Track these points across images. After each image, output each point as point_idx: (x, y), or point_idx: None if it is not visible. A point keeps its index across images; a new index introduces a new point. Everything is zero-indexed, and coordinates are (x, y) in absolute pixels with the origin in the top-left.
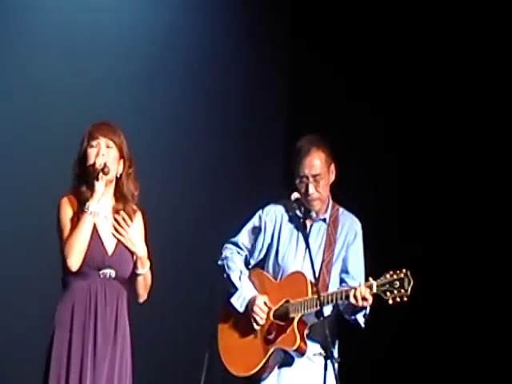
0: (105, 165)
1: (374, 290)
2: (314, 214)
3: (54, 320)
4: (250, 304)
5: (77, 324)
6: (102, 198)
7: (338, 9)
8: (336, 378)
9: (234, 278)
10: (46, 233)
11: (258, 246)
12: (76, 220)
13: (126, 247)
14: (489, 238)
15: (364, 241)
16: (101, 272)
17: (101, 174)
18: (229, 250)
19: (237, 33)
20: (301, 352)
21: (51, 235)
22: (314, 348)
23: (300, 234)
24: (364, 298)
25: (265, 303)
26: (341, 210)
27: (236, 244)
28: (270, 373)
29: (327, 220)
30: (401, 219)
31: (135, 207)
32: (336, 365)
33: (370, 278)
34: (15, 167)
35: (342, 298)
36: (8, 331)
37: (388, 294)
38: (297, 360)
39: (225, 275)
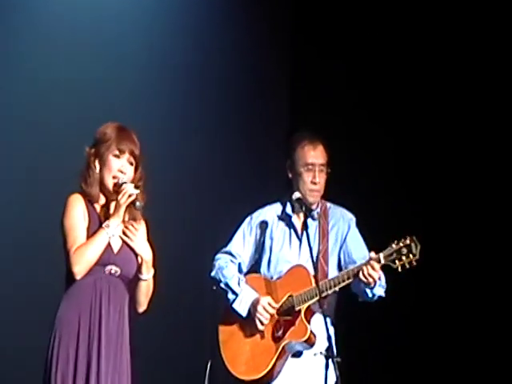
0: (136, 197)
1: (382, 261)
2: (315, 214)
3: (56, 318)
4: (253, 306)
5: (83, 325)
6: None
7: (339, 8)
8: (337, 377)
9: (233, 284)
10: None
11: (250, 251)
12: (88, 219)
13: (132, 249)
14: (489, 238)
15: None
16: (106, 268)
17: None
18: (222, 260)
19: (237, 33)
20: (310, 343)
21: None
22: (315, 347)
23: (292, 231)
24: (374, 269)
25: (269, 303)
26: (328, 204)
27: (229, 253)
28: (280, 372)
29: (317, 214)
30: (400, 218)
31: (140, 215)
32: (336, 364)
33: (373, 253)
34: (16, 167)
35: (345, 280)
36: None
37: (396, 262)
38: (300, 358)
39: (222, 284)
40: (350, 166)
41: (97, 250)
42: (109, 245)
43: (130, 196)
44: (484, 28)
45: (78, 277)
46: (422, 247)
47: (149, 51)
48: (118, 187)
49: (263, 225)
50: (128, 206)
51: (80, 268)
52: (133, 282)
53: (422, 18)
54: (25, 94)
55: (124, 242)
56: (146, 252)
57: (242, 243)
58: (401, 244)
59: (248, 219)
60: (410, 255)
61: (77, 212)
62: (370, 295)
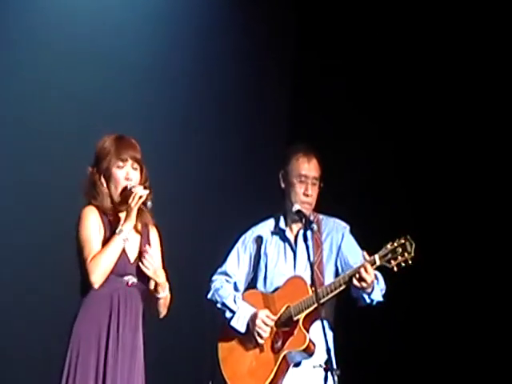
0: (147, 198)
1: (378, 262)
2: (315, 226)
3: (73, 332)
4: (252, 321)
5: (102, 339)
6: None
7: (340, 12)
8: None
9: (229, 302)
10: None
11: (246, 270)
12: (103, 233)
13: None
14: (485, 241)
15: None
16: (123, 279)
17: (142, 206)
18: (218, 281)
19: (238, 37)
20: (309, 352)
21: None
22: (314, 360)
23: (286, 245)
24: (367, 272)
25: (267, 316)
26: (321, 216)
27: (224, 273)
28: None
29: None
30: (398, 222)
31: (151, 218)
32: (336, 377)
33: (365, 253)
34: (15, 171)
35: (341, 285)
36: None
37: (392, 261)
38: (299, 371)
39: (218, 305)
40: (350, 168)
41: (112, 256)
42: (125, 255)
43: (140, 198)
44: (484, 28)
45: (96, 286)
46: (418, 252)
47: (150, 54)
48: (128, 192)
49: (257, 242)
50: (139, 210)
51: (97, 277)
52: (147, 291)
53: (422, 22)
54: (26, 103)
55: (140, 251)
56: (160, 276)
57: (237, 262)
58: (395, 244)
59: (242, 238)
60: (405, 254)
61: (92, 224)
62: (368, 301)
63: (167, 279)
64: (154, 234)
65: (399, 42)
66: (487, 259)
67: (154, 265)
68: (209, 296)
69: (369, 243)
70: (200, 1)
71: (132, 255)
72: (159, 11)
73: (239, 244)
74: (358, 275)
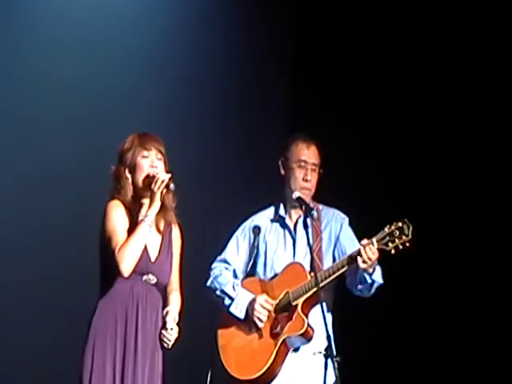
0: (170, 180)
1: (375, 245)
2: (315, 213)
3: (91, 325)
4: (250, 306)
5: (120, 334)
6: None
7: (340, 10)
8: (336, 376)
9: (228, 289)
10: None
11: (245, 257)
12: (128, 226)
13: (168, 257)
14: (484, 234)
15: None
16: (143, 277)
17: (164, 190)
18: (217, 269)
19: (238, 33)
20: (308, 336)
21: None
22: (314, 346)
23: (286, 232)
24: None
25: (266, 301)
26: (321, 206)
27: (223, 261)
28: (280, 369)
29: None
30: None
31: (174, 218)
32: (336, 364)
33: (365, 239)
34: (24, 167)
35: (340, 268)
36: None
37: (390, 244)
38: (299, 357)
39: (218, 292)
40: (351, 167)
41: (140, 243)
42: (147, 253)
43: (163, 182)
44: (484, 28)
45: (126, 274)
46: (416, 239)
47: (150, 53)
48: (151, 179)
49: (256, 230)
50: (163, 208)
51: (126, 265)
52: (165, 290)
53: (422, 20)
54: (26, 93)
55: (160, 249)
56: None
57: (236, 250)
58: (393, 227)
59: (242, 226)
60: (403, 236)
61: (118, 216)
62: (370, 281)
63: (180, 282)
64: (176, 234)
65: (399, 42)
66: (485, 247)
67: (172, 339)
68: (208, 283)
69: (367, 236)
70: (200, 0)
71: (153, 254)
72: (159, 10)
73: (239, 232)
74: (364, 255)
